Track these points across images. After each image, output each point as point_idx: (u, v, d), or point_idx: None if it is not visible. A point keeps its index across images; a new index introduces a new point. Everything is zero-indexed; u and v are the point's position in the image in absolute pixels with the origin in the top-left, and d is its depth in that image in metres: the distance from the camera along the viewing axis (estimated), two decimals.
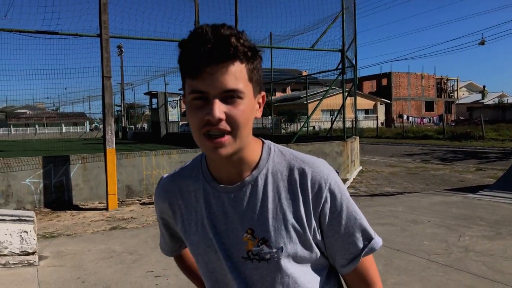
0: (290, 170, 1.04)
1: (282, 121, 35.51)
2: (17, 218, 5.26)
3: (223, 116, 0.92)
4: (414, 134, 31.78)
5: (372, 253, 1.07)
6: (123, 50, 39.41)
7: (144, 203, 9.49)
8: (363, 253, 1.06)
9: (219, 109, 0.92)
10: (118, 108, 49.42)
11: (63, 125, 62.27)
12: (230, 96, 0.93)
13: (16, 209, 8.87)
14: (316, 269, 1.08)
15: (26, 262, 5.16)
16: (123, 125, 44.88)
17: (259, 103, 1.03)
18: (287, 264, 1.02)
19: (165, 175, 1.20)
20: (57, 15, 9.31)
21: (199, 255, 1.09)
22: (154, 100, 32.54)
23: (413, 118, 45.56)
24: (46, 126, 60.70)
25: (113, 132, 9.12)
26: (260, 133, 28.55)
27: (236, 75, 0.93)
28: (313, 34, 13.08)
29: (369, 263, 1.09)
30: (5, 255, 5.11)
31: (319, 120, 45.48)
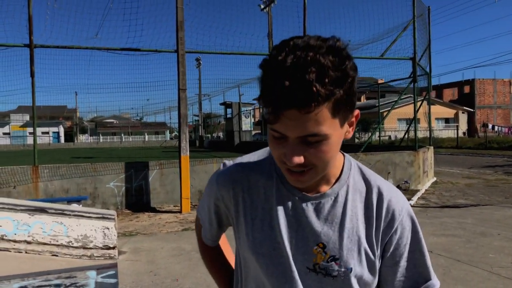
0: (369, 192, 1.01)
1: (355, 130, 34.98)
2: (101, 215, 5.95)
3: (301, 161, 0.86)
4: (498, 145, 29.75)
5: None
6: (201, 62, 41.37)
7: None
8: None
9: (297, 154, 0.86)
10: (196, 118, 51.72)
11: (146, 133, 66.41)
12: (312, 140, 0.85)
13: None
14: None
15: (107, 255, 5.82)
16: (200, 134, 46.82)
17: (350, 123, 0.92)
18: (353, 284, 0.98)
19: (230, 163, 1.11)
20: (139, 33, 10.23)
21: (261, 255, 1.01)
22: (229, 110, 33.74)
23: (500, 128, 42.48)
24: (131, 135, 65.08)
25: (187, 140, 9.80)
26: None
27: (317, 119, 0.82)
28: (383, 42, 12.96)
29: None
30: (90, 248, 5.82)
31: (395, 130, 44.05)
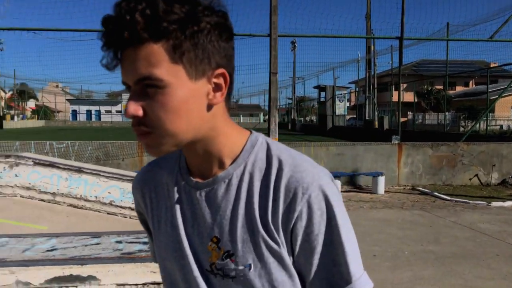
0: (268, 168, 0.81)
1: (461, 118, 32.65)
2: None
3: (137, 112, 0.74)
4: None
5: None
6: (296, 45, 41.40)
7: None
8: None
9: (134, 101, 0.74)
10: (290, 101, 52.15)
11: (241, 115, 68.61)
12: (148, 85, 0.73)
13: None
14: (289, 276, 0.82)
15: None
16: (292, 117, 47.19)
17: (216, 84, 0.78)
18: (255, 283, 0.80)
19: (143, 168, 1.00)
20: (234, 18, 10.68)
21: (166, 260, 0.89)
22: (323, 94, 33.51)
23: None
24: None
25: (276, 123, 10.12)
26: (434, 130, 26.85)
27: (149, 59, 0.72)
28: (494, 23, 11.94)
29: None
30: None
31: (508, 119, 40.20)
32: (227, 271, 0.80)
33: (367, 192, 9.99)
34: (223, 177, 0.82)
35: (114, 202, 6.35)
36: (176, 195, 0.87)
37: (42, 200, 6.29)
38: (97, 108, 64.10)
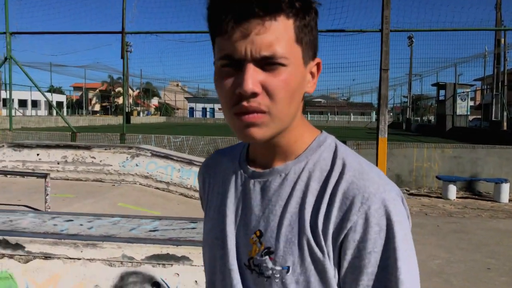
0: (331, 170, 0.76)
1: None
2: None
3: (258, 89, 0.69)
4: None
5: None
6: (413, 40, 39.23)
7: (411, 194, 9.77)
8: None
9: (254, 79, 0.68)
10: (405, 100, 49.60)
11: (351, 114, 67.11)
12: (269, 63, 0.69)
13: None
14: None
15: None
16: (407, 117, 44.84)
17: (311, 73, 0.78)
18: None
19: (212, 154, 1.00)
20: (345, 15, 10.52)
21: (207, 246, 0.87)
22: (442, 92, 31.24)
23: None
24: (337, 114, 66.73)
25: (386, 122, 9.73)
26: None
27: (278, 34, 0.68)
28: None
29: None
30: None
31: None
32: (263, 269, 0.75)
33: (487, 200, 9.12)
34: (280, 170, 0.79)
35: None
36: (231, 183, 0.85)
37: (157, 188, 6.91)
38: (211, 105, 67.89)
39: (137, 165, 6.89)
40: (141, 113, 62.04)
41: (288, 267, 0.73)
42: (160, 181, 6.88)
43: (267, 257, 0.75)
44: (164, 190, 6.83)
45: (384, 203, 0.70)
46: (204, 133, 18.24)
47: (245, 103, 0.70)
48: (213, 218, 0.86)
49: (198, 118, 61.96)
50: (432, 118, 47.21)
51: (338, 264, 0.72)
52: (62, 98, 57.89)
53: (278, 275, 0.73)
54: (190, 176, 6.92)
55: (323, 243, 0.72)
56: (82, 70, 45.61)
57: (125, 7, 11.88)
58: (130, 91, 59.06)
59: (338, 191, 0.72)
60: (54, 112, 38.13)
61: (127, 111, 46.84)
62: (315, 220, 0.73)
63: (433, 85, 33.76)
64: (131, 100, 57.71)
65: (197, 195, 6.78)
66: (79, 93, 62.62)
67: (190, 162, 6.97)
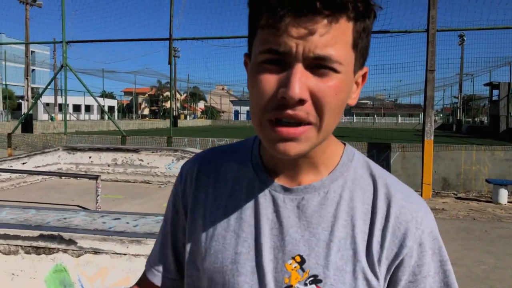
0: (376, 193, 0.72)
1: None
2: None
3: (306, 96, 0.61)
4: None
5: None
6: (464, 39, 37.78)
7: (459, 198, 9.46)
8: None
9: (302, 83, 0.60)
10: (455, 100, 47.78)
11: (399, 115, 65.40)
12: (322, 66, 0.61)
13: None
14: None
15: None
16: (458, 118, 43.17)
17: (357, 83, 0.71)
18: None
19: (203, 151, 0.86)
20: (389, 16, 10.37)
21: (215, 271, 0.73)
22: (495, 92, 29.85)
23: None
24: (384, 116, 65.27)
25: (432, 124, 9.49)
26: None
27: (337, 36, 0.61)
28: None
29: None
30: None
31: None
32: None
33: None
34: (317, 187, 0.71)
35: None
36: (246, 196, 0.74)
37: None
38: None
39: None
40: (188, 117, 63.52)
41: None
42: None
43: (313, 285, 0.68)
44: None
45: (432, 227, 0.71)
46: (247, 135, 18.44)
47: (289, 111, 0.61)
48: (225, 239, 0.73)
49: (243, 121, 62.57)
50: (484, 119, 45.20)
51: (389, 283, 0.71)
52: (113, 103, 60.40)
53: None
54: None
55: (377, 269, 0.68)
56: (132, 76, 47.36)
57: (172, 14, 12.28)
58: (178, 95, 60.65)
59: (390, 216, 0.69)
60: (106, 117, 39.75)
61: (174, 114, 48.24)
62: (369, 247, 0.69)
63: (485, 85, 32.33)
64: (178, 104, 59.24)
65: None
66: (129, 98, 65.00)
67: None
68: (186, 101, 67.62)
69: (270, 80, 0.61)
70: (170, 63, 12.35)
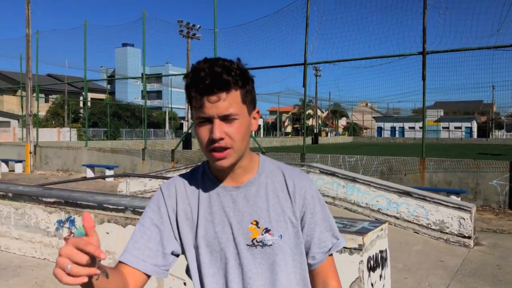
0: (283, 177, 1.26)
1: None
2: (458, 206, 6.67)
3: (223, 135, 1.11)
4: None
5: (337, 249, 1.30)
6: None
7: None
8: (332, 247, 1.28)
9: (220, 129, 1.11)
10: None
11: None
12: (228, 119, 1.11)
13: (482, 206, 10.20)
14: (301, 254, 1.25)
15: (462, 242, 6.51)
16: None
17: (254, 118, 1.22)
18: (284, 249, 1.20)
19: (168, 181, 1.32)
20: None
21: (204, 246, 1.20)
22: None
23: None
24: None
25: None
26: None
27: (231, 101, 1.11)
28: None
29: (333, 261, 1.31)
30: (446, 233, 6.68)
31: None
32: (266, 242, 1.19)
33: None
34: (252, 181, 1.23)
35: (381, 209, 7.26)
36: (212, 198, 1.23)
37: (325, 202, 7.82)
38: (401, 124, 65.79)
39: None
40: (329, 134, 64.17)
41: (281, 235, 1.20)
42: (327, 196, 7.78)
43: (267, 234, 1.19)
44: (330, 204, 7.66)
45: (315, 187, 1.30)
46: (390, 153, 18.30)
47: (216, 144, 1.12)
48: (204, 225, 1.21)
49: (386, 138, 60.74)
50: None
51: (302, 222, 1.25)
52: (260, 121, 64.33)
53: (276, 242, 1.19)
54: (354, 192, 7.64)
55: (295, 216, 1.23)
56: (276, 97, 50.14)
57: (307, 42, 13.33)
58: (319, 113, 61.86)
59: (295, 187, 1.25)
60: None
61: (315, 132, 49.50)
62: (289, 205, 1.24)
63: None
64: (320, 121, 60.40)
65: (360, 209, 7.46)
66: (274, 117, 68.48)
67: (353, 180, 7.70)
68: (328, 118, 68.43)
69: (205, 130, 1.14)
70: (304, 86, 13.36)
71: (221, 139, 1.11)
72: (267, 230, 1.19)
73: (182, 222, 1.22)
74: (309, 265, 1.27)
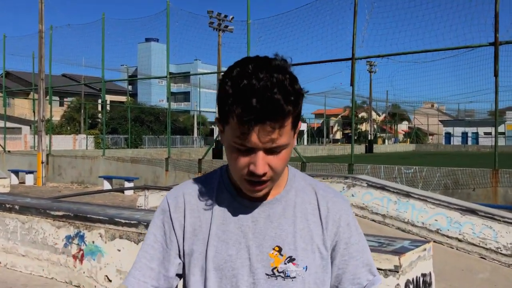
0: (315, 196, 1.25)
1: None
2: None
3: (267, 170, 1.09)
4: None
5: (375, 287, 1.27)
6: None
7: None
8: (366, 286, 1.25)
9: (264, 163, 1.08)
10: None
11: None
12: (274, 151, 1.09)
13: None
14: None
15: None
16: None
17: (295, 133, 1.18)
18: (309, 283, 1.18)
19: (176, 187, 1.31)
20: None
21: (213, 269, 1.18)
22: None
23: None
24: None
25: None
26: None
27: (283, 131, 1.07)
28: None
29: None
30: None
31: None
32: (288, 273, 1.16)
33: None
34: (279, 199, 1.22)
35: (440, 230, 7.19)
36: (229, 213, 1.21)
37: (373, 220, 7.83)
38: (474, 129, 63.86)
39: (353, 195, 7.98)
40: (386, 140, 63.33)
41: (306, 267, 1.18)
42: (376, 213, 7.78)
43: (290, 263, 1.17)
44: (380, 223, 7.66)
45: (351, 212, 1.30)
46: (458, 164, 17.89)
47: (256, 179, 1.11)
48: (215, 246, 1.19)
49: (457, 145, 59.22)
50: None
51: (332, 255, 1.23)
52: (303, 126, 64.35)
53: (300, 274, 1.17)
54: (408, 210, 7.60)
55: (325, 245, 1.22)
56: (323, 97, 49.98)
57: (355, 33, 13.32)
58: (375, 116, 61.17)
59: (329, 210, 1.24)
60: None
61: (369, 138, 48.89)
62: (318, 231, 1.22)
63: None
64: (375, 126, 59.70)
65: (415, 230, 7.41)
66: (321, 121, 68.24)
67: (407, 195, 7.66)
68: (385, 123, 67.57)
69: (243, 158, 1.10)
70: (352, 84, 13.36)
71: (264, 174, 1.10)
72: (291, 259, 1.17)
73: (189, 239, 1.22)
74: None
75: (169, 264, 1.24)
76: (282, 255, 1.17)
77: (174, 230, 1.23)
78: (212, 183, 1.26)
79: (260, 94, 1.02)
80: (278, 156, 1.10)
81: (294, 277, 1.16)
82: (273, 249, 1.17)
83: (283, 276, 1.16)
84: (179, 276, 1.26)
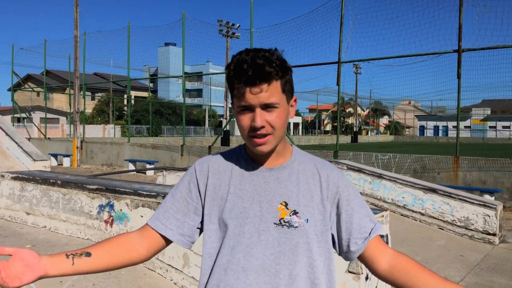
0: (315, 166, 1.32)
1: None
2: (483, 203, 6.75)
3: (264, 123, 1.17)
4: None
5: (376, 234, 1.32)
6: None
7: None
8: (371, 232, 1.30)
9: (261, 117, 1.17)
10: None
11: None
12: (269, 107, 1.17)
13: None
14: (326, 242, 1.28)
15: (486, 239, 6.59)
16: None
17: (292, 105, 1.27)
18: (309, 233, 1.23)
19: (203, 157, 1.39)
20: None
21: (229, 219, 1.25)
22: None
23: None
24: None
25: None
26: None
27: (272, 91, 1.17)
28: None
29: (379, 240, 1.34)
30: (471, 230, 6.77)
31: None
32: (292, 223, 1.22)
33: None
34: (285, 166, 1.30)
35: (406, 205, 7.43)
36: (246, 175, 1.28)
37: None
38: (444, 123, 63.81)
39: None
40: (369, 132, 63.33)
41: (307, 219, 1.24)
42: None
43: (294, 216, 1.23)
44: None
45: (347, 178, 1.36)
46: (428, 152, 18.05)
47: (257, 132, 1.19)
48: (233, 200, 1.26)
49: (429, 137, 59.23)
50: None
51: (338, 213, 1.29)
52: (298, 119, 64.45)
53: (302, 225, 1.23)
54: (380, 188, 7.83)
55: (324, 204, 1.28)
56: (315, 95, 50.04)
57: (341, 40, 13.48)
58: (360, 111, 61.12)
59: (328, 176, 1.30)
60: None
61: (355, 130, 49.05)
62: (319, 193, 1.28)
63: None
64: (360, 120, 59.71)
65: (386, 205, 7.65)
66: (313, 115, 68.26)
67: (380, 176, 7.88)
68: (369, 117, 67.49)
69: (246, 118, 1.21)
70: (338, 84, 13.52)
71: (262, 127, 1.19)
72: (295, 212, 1.24)
73: (210, 196, 1.28)
74: (353, 252, 1.30)
75: (193, 216, 1.31)
76: (288, 209, 1.24)
77: (198, 188, 1.31)
78: (233, 154, 1.35)
79: (248, 62, 1.16)
80: (273, 114, 1.20)
81: (297, 227, 1.23)
82: (281, 203, 1.25)
83: (288, 225, 1.23)
84: (199, 230, 1.33)
